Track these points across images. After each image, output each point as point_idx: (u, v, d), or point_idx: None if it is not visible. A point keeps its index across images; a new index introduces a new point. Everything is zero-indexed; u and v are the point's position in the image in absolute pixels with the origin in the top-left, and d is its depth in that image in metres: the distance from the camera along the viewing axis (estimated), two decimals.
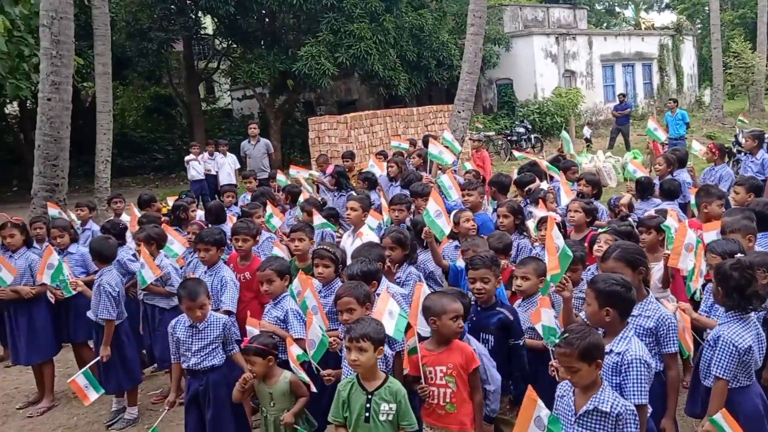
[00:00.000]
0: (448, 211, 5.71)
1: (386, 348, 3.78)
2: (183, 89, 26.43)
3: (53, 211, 8.35)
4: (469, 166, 9.45)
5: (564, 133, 10.41)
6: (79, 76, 18.67)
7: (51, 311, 6.24)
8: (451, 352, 3.67)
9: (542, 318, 3.84)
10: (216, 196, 12.56)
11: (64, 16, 9.37)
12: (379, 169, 9.18)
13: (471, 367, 3.65)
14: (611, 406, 3.05)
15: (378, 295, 4.23)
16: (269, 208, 6.93)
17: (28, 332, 6.09)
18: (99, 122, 13.00)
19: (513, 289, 4.73)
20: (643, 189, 7.10)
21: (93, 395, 5.24)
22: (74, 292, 5.84)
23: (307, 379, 3.97)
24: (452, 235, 5.71)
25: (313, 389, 4.03)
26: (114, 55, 13.70)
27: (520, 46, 25.49)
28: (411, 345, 3.66)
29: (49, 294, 6.12)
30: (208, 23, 26.44)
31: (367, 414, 3.48)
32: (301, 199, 7.90)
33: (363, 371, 3.53)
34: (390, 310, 3.80)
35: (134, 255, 6.37)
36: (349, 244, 5.81)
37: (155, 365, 6.48)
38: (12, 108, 26.22)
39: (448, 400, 3.66)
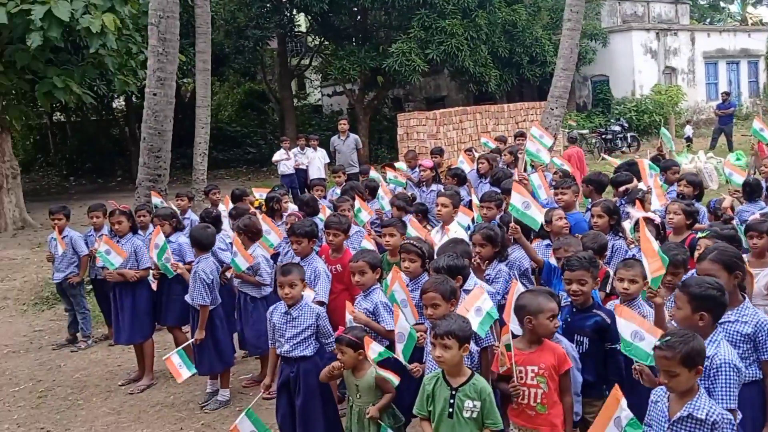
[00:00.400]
0: None
1: (472, 344, 3.76)
2: (276, 85, 27.12)
3: (156, 199, 8.78)
4: (557, 161, 9.21)
5: (664, 130, 9.98)
6: (180, 73, 19.46)
7: (152, 294, 6.59)
8: (543, 352, 3.61)
9: (618, 326, 3.70)
10: (305, 189, 12.83)
11: (170, 15, 9.81)
12: (468, 166, 9.11)
13: (563, 368, 3.58)
14: (707, 414, 2.94)
15: (465, 291, 4.22)
16: (357, 203, 7.01)
17: (131, 313, 6.44)
18: (198, 116, 13.52)
19: (607, 290, 4.59)
20: (752, 191, 6.72)
21: (186, 373, 5.55)
22: (174, 274, 6.16)
23: (390, 377, 3.98)
24: (544, 234, 5.60)
25: (395, 381, 4.03)
26: (212, 53, 14.22)
27: (618, 41, 24.65)
28: (506, 341, 3.62)
29: (150, 279, 6.46)
30: (302, 21, 27.02)
31: (450, 409, 3.48)
32: (381, 193, 7.93)
33: (448, 368, 3.52)
34: (479, 306, 3.76)
35: (230, 243, 6.62)
36: (437, 240, 5.80)
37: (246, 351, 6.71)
38: (119, 103, 27.76)
39: (538, 400, 3.59)
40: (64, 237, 7.54)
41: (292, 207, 8.58)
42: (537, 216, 5.17)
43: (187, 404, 6.09)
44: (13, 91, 16.42)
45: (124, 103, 26.20)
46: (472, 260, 4.77)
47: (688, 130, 21.02)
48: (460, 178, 8.36)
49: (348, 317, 4.47)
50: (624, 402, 3.04)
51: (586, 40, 23.17)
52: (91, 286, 8.22)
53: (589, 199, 6.83)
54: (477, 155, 9.82)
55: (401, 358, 4.12)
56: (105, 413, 6.04)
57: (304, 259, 5.42)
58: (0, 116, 15.49)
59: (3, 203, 15.61)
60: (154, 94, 9.84)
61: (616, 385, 3.10)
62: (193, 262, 6.14)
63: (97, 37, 13.69)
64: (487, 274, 4.91)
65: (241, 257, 5.74)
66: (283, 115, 25.96)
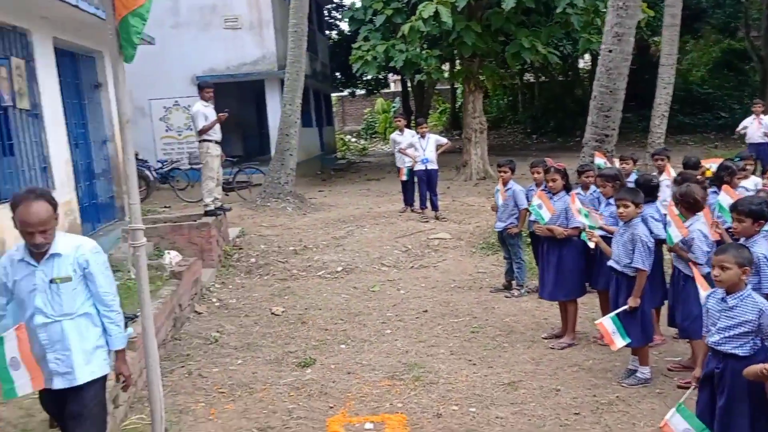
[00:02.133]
0: None
1: None
2: (760, 42, 23.74)
3: (599, 160, 8.60)
4: None
5: None
6: (650, 30, 18.56)
7: (581, 255, 6.49)
8: None
9: None
10: None
11: None
12: None
13: None
14: None
15: None
16: None
17: (555, 270, 6.49)
18: (660, 75, 12.79)
19: None
20: None
21: (620, 342, 5.34)
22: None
23: None
24: None
25: None
26: (687, 8, 13.16)
27: None
28: None
29: (584, 237, 6.32)
30: None
31: None
32: None
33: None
34: None
35: (664, 214, 6.07)
36: None
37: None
38: (584, 62, 28.18)
39: None
40: (507, 189, 7.99)
41: (757, 182, 7.48)
42: None
43: (604, 372, 5.88)
44: (488, 53, 18.08)
45: (589, 62, 26.44)
46: None
47: None
48: None
49: None
50: None
51: None
52: (530, 240, 8.56)
53: None
54: None
55: None
56: (525, 360, 6.23)
57: (747, 239, 4.64)
58: (474, 75, 17.23)
59: (470, 155, 17.53)
60: (610, 51, 9.53)
61: None
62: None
63: None
64: None
65: (675, 228, 5.22)
66: (765, 76, 22.66)
